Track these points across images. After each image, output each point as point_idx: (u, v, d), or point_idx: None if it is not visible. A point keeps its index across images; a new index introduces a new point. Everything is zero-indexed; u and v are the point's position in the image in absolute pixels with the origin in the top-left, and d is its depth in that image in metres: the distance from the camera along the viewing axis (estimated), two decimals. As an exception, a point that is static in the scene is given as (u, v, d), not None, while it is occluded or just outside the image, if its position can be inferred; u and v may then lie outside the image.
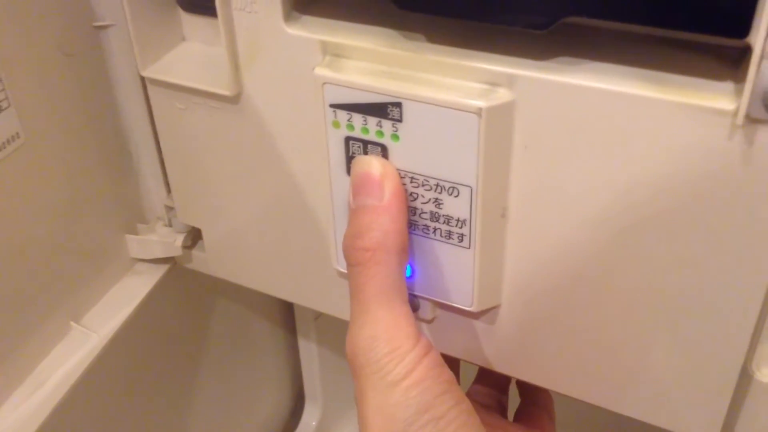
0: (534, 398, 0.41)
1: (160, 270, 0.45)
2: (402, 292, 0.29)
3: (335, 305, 0.40)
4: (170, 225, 0.44)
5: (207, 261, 0.44)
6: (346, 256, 0.30)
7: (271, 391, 0.64)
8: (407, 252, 0.31)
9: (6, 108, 0.34)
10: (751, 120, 0.25)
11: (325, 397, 0.63)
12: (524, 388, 0.42)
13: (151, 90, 0.38)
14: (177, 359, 0.51)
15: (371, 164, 0.31)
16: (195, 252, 0.44)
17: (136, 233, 0.44)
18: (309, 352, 0.61)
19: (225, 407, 0.57)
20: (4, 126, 0.34)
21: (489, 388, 0.42)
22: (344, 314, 0.40)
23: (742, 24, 0.23)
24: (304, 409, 0.64)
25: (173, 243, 0.44)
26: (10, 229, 0.36)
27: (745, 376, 0.31)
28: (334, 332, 0.60)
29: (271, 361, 0.62)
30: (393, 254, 0.29)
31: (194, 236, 0.44)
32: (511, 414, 0.42)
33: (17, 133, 0.35)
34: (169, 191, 0.43)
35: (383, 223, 0.29)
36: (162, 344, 0.49)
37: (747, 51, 0.24)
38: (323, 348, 0.61)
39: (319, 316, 0.59)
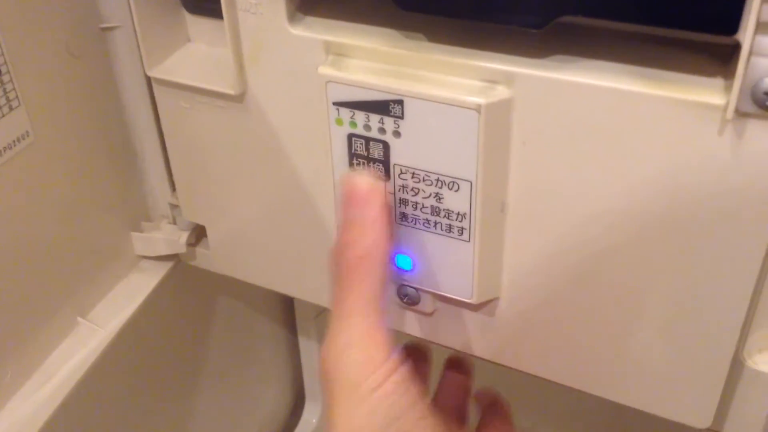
0: (494, 410, 0.41)
1: (165, 267, 0.46)
2: (382, 303, 0.30)
3: (337, 300, 0.41)
4: (175, 223, 0.45)
5: (211, 258, 0.45)
6: (333, 267, 0.31)
7: (272, 388, 0.64)
8: (390, 264, 0.31)
9: (17, 107, 0.35)
10: (740, 114, 0.26)
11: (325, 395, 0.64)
12: (483, 400, 0.42)
13: (157, 90, 0.39)
14: (180, 355, 0.52)
15: (359, 179, 0.31)
16: (199, 249, 0.45)
17: (141, 231, 0.45)
18: (309, 350, 0.62)
19: (226, 404, 0.58)
20: (15, 124, 0.35)
21: (452, 394, 0.42)
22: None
23: (731, 21, 0.24)
24: (305, 406, 0.65)
25: (177, 240, 0.44)
26: (18, 225, 0.37)
27: (737, 364, 0.32)
28: (334, 330, 0.61)
29: (272, 359, 0.63)
30: (377, 266, 0.30)
31: (198, 234, 0.45)
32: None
33: (27, 132, 0.36)
34: (173, 189, 0.44)
35: (369, 236, 0.30)
36: (165, 340, 0.49)
37: (736, 48, 0.25)
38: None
39: (319, 314, 0.60)
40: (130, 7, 0.36)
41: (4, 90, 0.34)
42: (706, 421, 0.33)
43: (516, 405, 0.43)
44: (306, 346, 0.62)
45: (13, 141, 0.35)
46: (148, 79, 0.39)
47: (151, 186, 0.45)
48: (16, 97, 0.35)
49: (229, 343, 0.56)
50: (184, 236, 0.44)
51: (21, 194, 0.37)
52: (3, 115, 0.34)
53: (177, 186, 0.43)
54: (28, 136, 0.36)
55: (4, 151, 0.35)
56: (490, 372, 0.60)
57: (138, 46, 0.37)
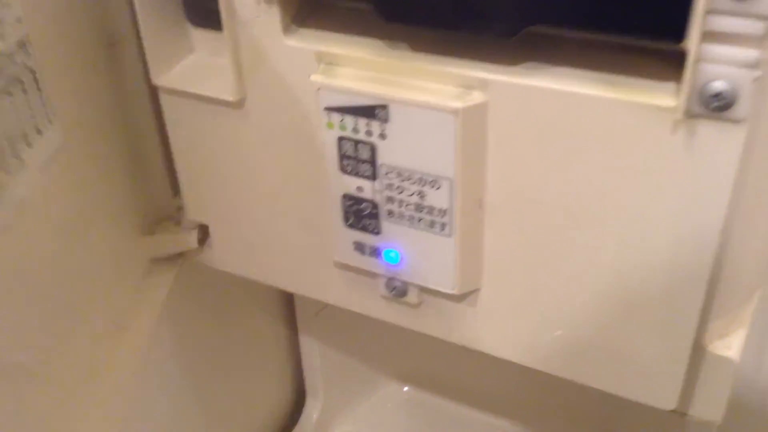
0: None
1: (173, 268, 0.48)
2: None
3: (334, 295, 0.43)
4: (180, 224, 0.48)
5: (214, 256, 0.47)
6: None
7: (273, 385, 0.67)
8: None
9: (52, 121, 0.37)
10: (690, 115, 0.28)
11: (325, 391, 0.66)
12: None
13: (163, 97, 0.42)
14: (183, 353, 0.54)
15: None
16: (203, 248, 0.48)
17: (150, 233, 0.48)
18: (310, 347, 0.64)
19: (228, 400, 0.60)
20: (53, 139, 0.37)
21: None
22: (343, 303, 0.43)
23: (679, 30, 0.27)
24: (306, 402, 0.67)
25: (185, 240, 0.47)
26: (38, 239, 0.39)
27: (700, 349, 0.34)
28: (335, 328, 0.63)
29: (273, 356, 0.65)
30: None
31: (203, 234, 0.48)
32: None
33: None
34: (178, 192, 0.47)
35: None
36: (170, 338, 0.52)
37: (685, 54, 0.28)
38: (324, 343, 0.64)
39: (319, 311, 0.62)
40: (136, 20, 0.39)
41: (44, 105, 0.36)
42: (671, 403, 0.35)
43: (510, 403, 0.45)
44: (306, 343, 0.64)
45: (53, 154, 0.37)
46: (154, 90, 0.42)
47: (158, 189, 0.47)
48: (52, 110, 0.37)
49: (231, 340, 0.58)
50: (189, 236, 0.47)
51: (44, 207, 0.38)
52: (45, 130, 0.36)
53: (182, 188, 0.45)
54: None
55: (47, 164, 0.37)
56: (481, 368, 0.62)
57: (144, 57, 0.40)
